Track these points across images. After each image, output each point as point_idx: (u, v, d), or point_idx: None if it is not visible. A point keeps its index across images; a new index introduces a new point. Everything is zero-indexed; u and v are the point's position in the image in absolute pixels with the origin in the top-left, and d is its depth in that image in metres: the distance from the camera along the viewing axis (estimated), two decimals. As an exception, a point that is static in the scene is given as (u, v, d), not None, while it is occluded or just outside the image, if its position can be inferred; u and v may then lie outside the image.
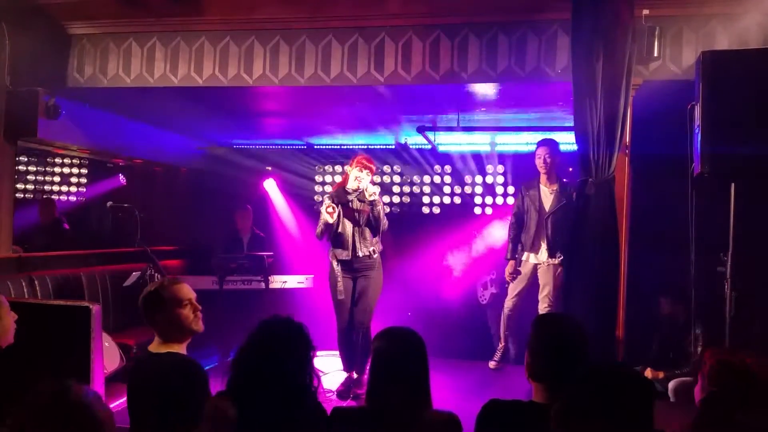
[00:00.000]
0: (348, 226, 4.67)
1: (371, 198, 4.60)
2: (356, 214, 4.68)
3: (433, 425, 2.20)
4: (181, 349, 2.62)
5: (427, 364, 2.30)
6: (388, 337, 2.36)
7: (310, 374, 2.19)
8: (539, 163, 5.09)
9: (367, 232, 4.68)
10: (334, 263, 4.73)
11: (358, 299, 4.71)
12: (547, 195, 5.09)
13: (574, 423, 1.59)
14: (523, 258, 5.13)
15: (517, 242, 5.20)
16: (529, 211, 5.11)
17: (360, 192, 4.65)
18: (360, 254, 4.64)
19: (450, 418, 2.25)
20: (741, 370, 2.20)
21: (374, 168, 4.77)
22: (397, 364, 2.25)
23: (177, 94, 5.39)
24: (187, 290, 2.67)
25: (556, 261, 4.97)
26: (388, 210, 4.86)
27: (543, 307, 4.99)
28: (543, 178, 5.12)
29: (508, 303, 5.24)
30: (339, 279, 4.70)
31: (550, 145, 5.13)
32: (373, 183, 4.81)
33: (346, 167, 4.90)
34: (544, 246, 5.03)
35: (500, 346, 5.41)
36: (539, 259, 5.07)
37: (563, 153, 5.24)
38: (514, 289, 5.21)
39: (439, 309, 6.48)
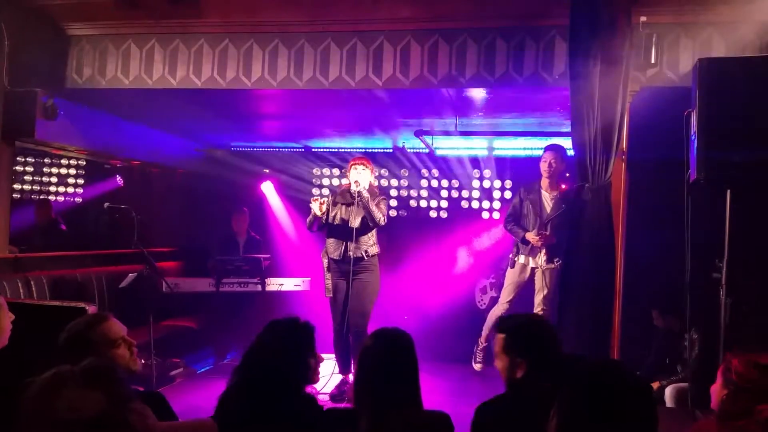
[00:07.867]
0: (342, 226, 4.67)
1: (358, 189, 4.59)
2: (351, 215, 4.68)
3: (424, 425, 2.22)
4: None
5: (416, 365, 2.32)
6: (376, 337, 2.39)
7: (308, 364, 2.26)
8: (544, 166, 5.09)
9: (361, 234, 4.68)
10: (325, 261, 4.75)
11: (352, 301, 4.68)
12: (548, 200, 5.09)
13: (574, 427, 1.57)
14: (521, 261, 5.11)
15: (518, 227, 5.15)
16: (529, 216, 5.10)
17: (358, 192, 4.65)
18: (352, 255, 4.63)
19: (441, 417, 2.26)
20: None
21: (368, 164, 4.76)
22: (383, 364, 2.27)
23: (175, 96, 5.39)
24: (117, 327, 2.39)
25: (554, 266, 4.98)
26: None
27: (537, 312, 4.97)
28: (545, 182, 5.12)
29: (500, 308, 5.20)
30: (327, 276, 4.70)
31: (559, 151, 5.13)
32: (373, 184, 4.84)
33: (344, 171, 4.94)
34: (543, 251, 5.03)
35: (481, 346, 5.37)
36: (537, 263, 5.06)
37: (568, 160, 5.15)
38: (507, 295, 5.19)
39: (437, 313, 6.47)
